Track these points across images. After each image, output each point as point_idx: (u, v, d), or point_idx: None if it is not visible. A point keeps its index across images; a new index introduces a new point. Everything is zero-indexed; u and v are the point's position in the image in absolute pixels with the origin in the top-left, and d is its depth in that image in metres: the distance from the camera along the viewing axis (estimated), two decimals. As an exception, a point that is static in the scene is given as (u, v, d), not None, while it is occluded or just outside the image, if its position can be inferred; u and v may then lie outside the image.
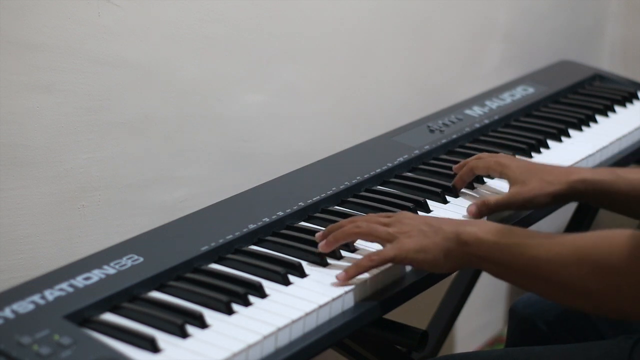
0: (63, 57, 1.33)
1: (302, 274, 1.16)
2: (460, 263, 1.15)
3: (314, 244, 1.21)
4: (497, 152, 1.49)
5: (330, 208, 1.35)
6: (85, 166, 1.39)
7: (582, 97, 1.88)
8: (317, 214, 1.32)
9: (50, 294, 1.05)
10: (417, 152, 1.53)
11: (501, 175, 1.37)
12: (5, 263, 1.33)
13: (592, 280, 1.01)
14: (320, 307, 1.09)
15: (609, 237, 1.02)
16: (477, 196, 1.41)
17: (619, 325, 1.39)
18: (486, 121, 1.69)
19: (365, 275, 1.16)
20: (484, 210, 1.33)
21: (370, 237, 1.18)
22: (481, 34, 2.13)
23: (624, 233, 1.01)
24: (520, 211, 1.38)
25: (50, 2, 1.30)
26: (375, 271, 1.17)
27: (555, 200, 1.33)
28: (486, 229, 1.13)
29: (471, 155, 1.50)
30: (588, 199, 1.35)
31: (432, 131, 1.62)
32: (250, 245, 1.23)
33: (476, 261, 1.13)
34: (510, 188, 1.34)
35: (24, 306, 1.02)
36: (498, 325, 2.52)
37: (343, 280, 1.13)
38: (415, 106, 1.94)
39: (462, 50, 2.09)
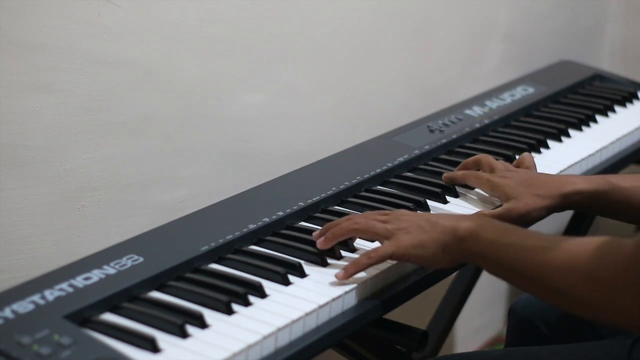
0: (63, 57, 1.33)
1: (302, 274, 1.16)
2: (458, 258, 1.15)
3: (314, 244, 1.21)
4: (496, 153, 1.49)
5: (330, 208, 1.35)
6: (85, 166, 1.39)
7: (582, 97, 1.88)
8: (317, 214, 1.32)
9: (50, 294, 1.05)
10: (417, 152, 1.53)
11: (491, 193, 1.36)
12: (5, 263, 1.33)
13: (584, 290, 1.01)
14: (320, 307, 1.09)
15: (603, 246, 1.01)
16: (477, 197, 1.41)
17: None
18: (486, 121, 1.69)
19: (365, 275, 1.16)
20: None
21: (368, 233, 1.18)
22: (481, 34, 2.13)
23: (618, 244, 0.99)
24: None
25: (50, 2, 1.30)
26: (375, 271, 1.17)
27: (550, 213, 1.33)
28: (483, 225, 1.13)
29: (471, 155, 1.50)
30: (583, 209, 1.36)
31: (432, 131, 1.62)
32: (250, 245, 1.23)
33: (473, 257, 1.13)
34: (504, 203, 1.33)
35: (24, 306, 1.02)
36: (498, 325, 2.52)
37: (342, 278, 1.13)
38: (415, 106, 1.94)
39: (462, 50, 2.09)
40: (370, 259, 1.14)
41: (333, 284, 1.14)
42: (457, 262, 1.17)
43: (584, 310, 1.04)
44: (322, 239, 1.19)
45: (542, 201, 1.31)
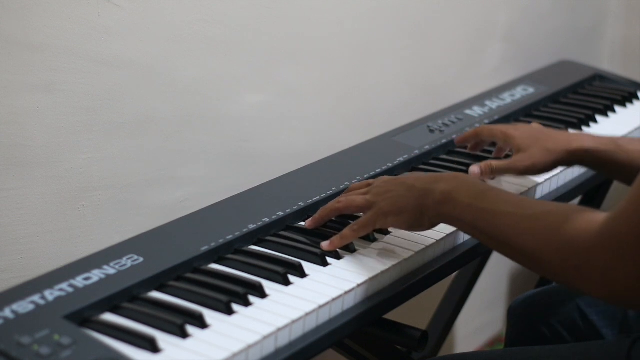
0: (63, 57, 1.33)
1: (302, 274, 1.16)
2: (436, 220, 1.17)
3: (314, 244, 1.21)
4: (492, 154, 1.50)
5: (330, 208, 1.35)
6: (85, 166, 1.39)
7: (582, 97, 1.89)
8: (317, 214, 1.32)
9: (50, 294, 1.05)
10: (417, 152, 1.53)
11: (504, 144, 1.42)
12: (5, 263, 1.33)
13: (556, 259, 1.02)
14: (320, 307, 1.09)
15: (580, 219, 1.01)
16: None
17: (617, 325, 1.39)
18: (486, 121, 1.69)
19: (365, 275, 1.16)
20: (486, 172, 1.38)
21: (350, 209, 1.22)
22: (481, 34, 2.13)
23: (596, 218, 1.00)
24: (523, 175, 1.42)
25: (50, 2, 1.30)
26: (374, 272, 1.17)
27: (556, 166, 1.38)
28: (459, 187, 1.14)
29: (471, 155, 1.50)
30: (587, 166, 1.40)
31: (432, 131, 1.62)
32: (250, 245, 1.23)
33: (450, 220, 1.16)
34: (513, 155, 1.39)
35: (24, 306, 1.02)
36: (498, 325, 2.52)
37: (326, 248, 1.18)
38: (415, 106, 1.94)
39: (462, 50, 2.09)
40: (354, 231, 1.18)
41: (333, 284, 1.14)
42: (436, 224, 1.19)
43: (555, 277, 1.06)
44: (310, 219, 1.25)
45: (549, 155, 1.36)
